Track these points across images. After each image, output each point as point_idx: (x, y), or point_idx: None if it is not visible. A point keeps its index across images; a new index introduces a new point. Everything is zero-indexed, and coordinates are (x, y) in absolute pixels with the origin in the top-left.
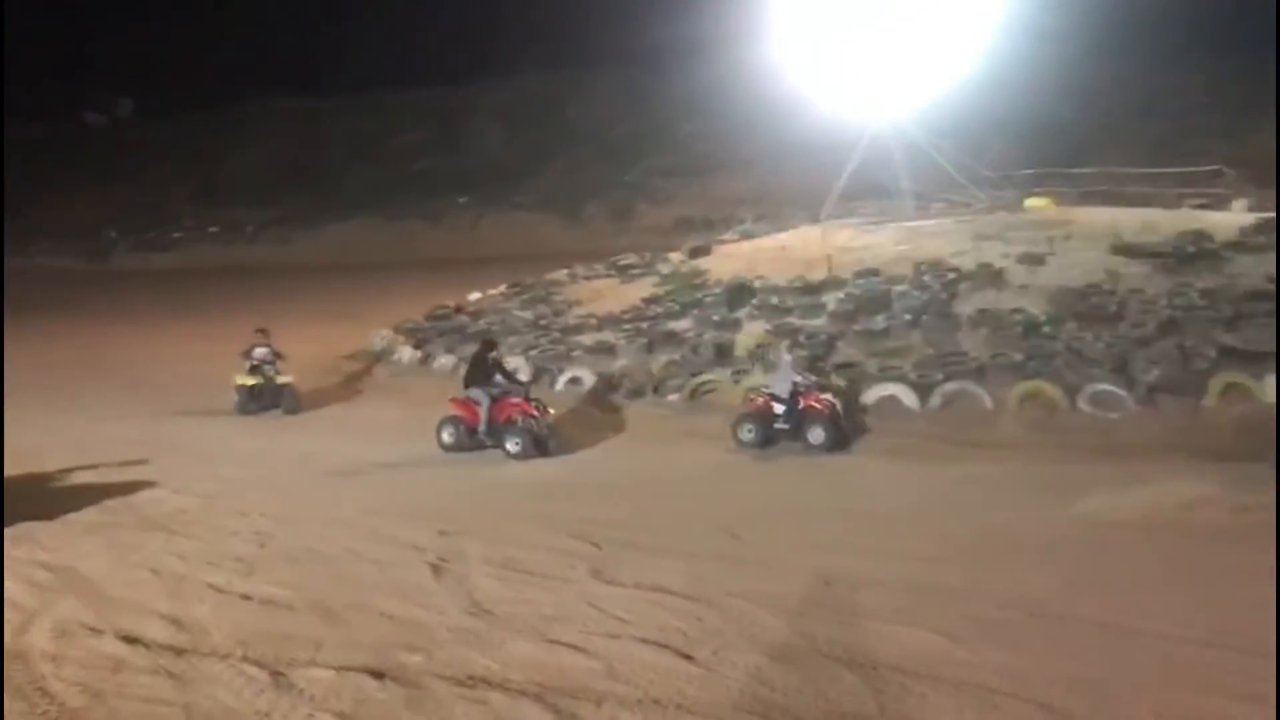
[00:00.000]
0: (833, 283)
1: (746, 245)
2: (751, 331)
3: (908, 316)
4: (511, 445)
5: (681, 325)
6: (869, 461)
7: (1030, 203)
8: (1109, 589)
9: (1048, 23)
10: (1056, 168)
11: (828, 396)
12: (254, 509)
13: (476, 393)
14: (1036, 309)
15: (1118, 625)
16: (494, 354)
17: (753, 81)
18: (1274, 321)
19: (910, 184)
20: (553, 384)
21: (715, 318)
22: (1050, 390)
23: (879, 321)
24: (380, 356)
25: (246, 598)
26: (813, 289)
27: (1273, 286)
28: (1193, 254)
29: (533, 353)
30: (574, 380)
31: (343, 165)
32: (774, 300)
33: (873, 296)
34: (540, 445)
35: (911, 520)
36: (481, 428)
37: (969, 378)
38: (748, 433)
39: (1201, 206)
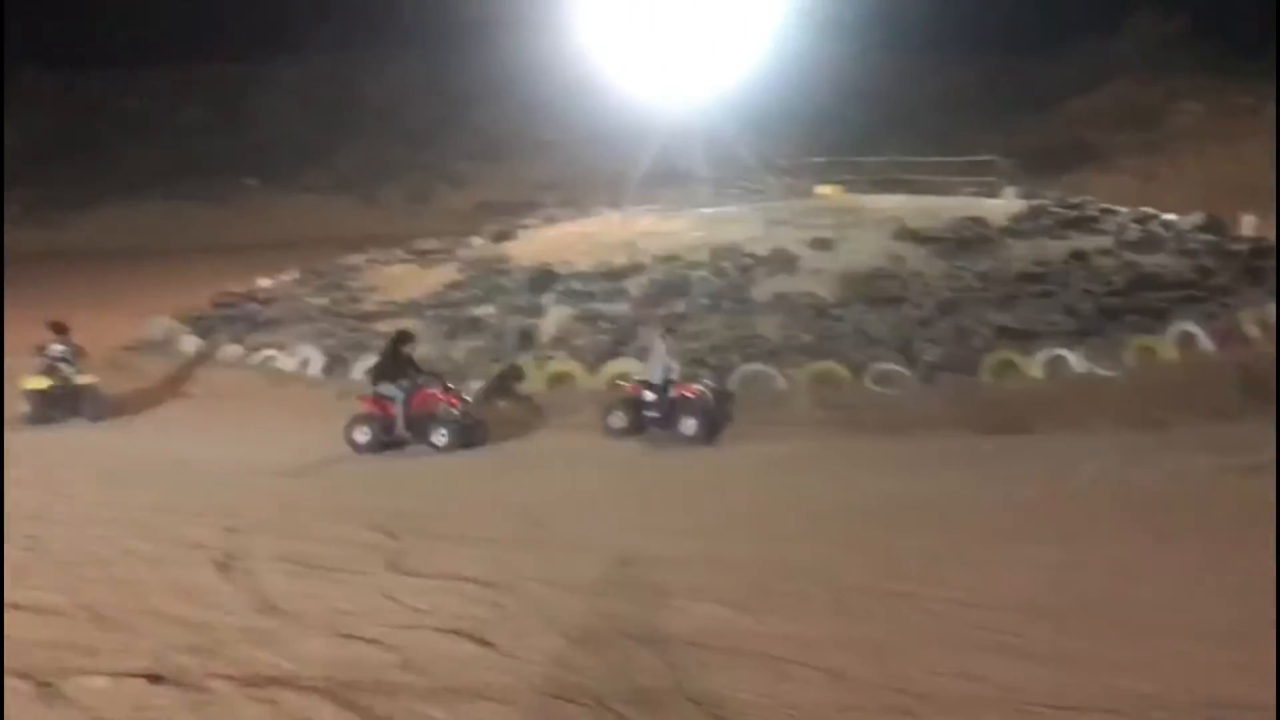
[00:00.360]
0: (634, 268)
1: (550, 230)
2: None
3: (706, 301)
4: (438, 438)
5: (484, 311)
6: (668, 443)
7: (821, 190)
8: (887, 557)
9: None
10: (845, 156)
11: (699, 386)
12: (21, 512)
13: (388, 388)
14: (826, 292)
15: (895, 591)
16: (406, 347)
17: (554, 65)
18: (1041, 301)
19: (708, 171)
20: (348, 373)
21: (519, 303)
22: (839, 370)
23: (679, 306)
24: (160, 347)
25: (15, 607)
26: (615, 274)
27: (1039, 269)
28: (969, 239)
29: (328, 341)
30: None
31: (117, 143)
32: (577, 286)
33: (673, 282)
34: (468, 436)
35: (708, 498)
36: (399, 424)
37: (764, 359)
38: (618, 420)
39: (977, 194)
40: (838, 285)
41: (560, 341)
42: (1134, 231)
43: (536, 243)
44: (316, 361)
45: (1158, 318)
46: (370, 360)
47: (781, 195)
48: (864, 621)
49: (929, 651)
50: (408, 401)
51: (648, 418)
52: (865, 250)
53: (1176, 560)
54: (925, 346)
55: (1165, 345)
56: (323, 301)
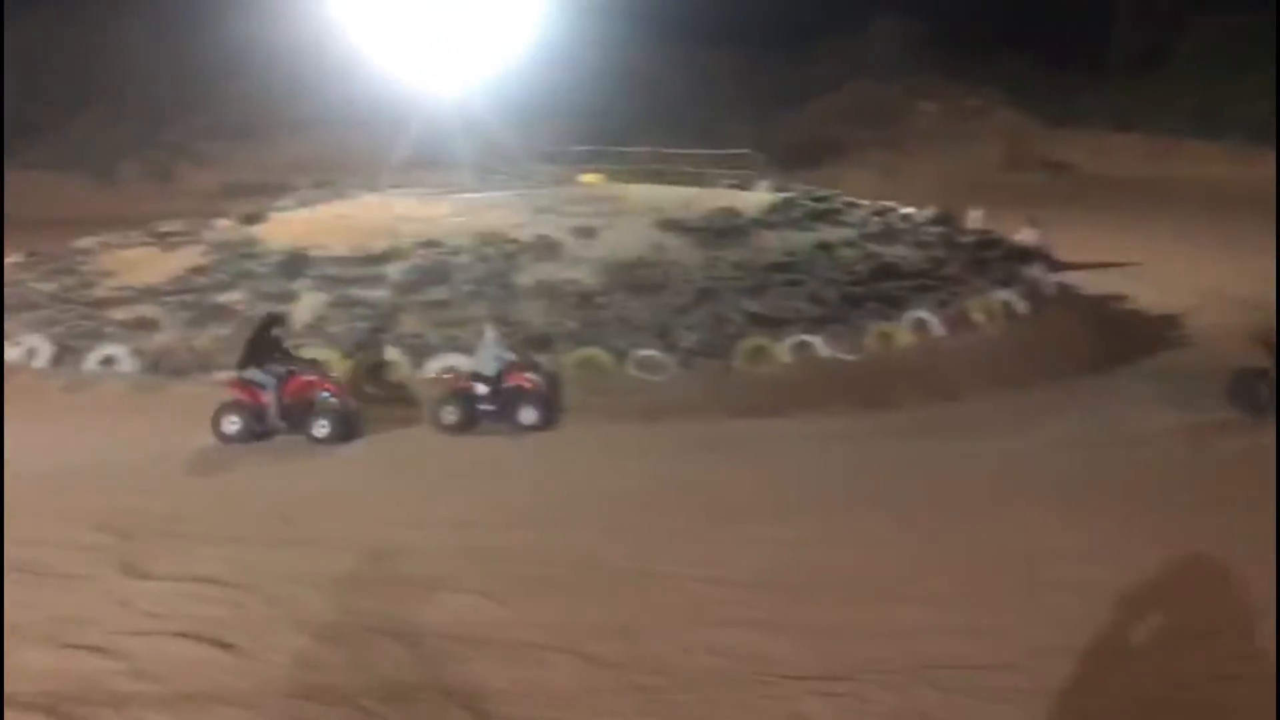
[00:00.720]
0: (394, 253)
1: (304, 213)
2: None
3: (469, 287)
4: (318, 430)
5: (232, 297)
6: (424, 432)
7: (584, 178)
8: (641, 540)
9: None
10: (609, 145)
11: (532, 375)
12: None
13: (256, 373)
14: (589, 280)
15: (648, 572)
16: (276, 330)
17: (307, 41)
18: (790, 289)
19: (471, 156)
20: (80, 363)
21: (270, 289)
22: (601, 356)
23: (441, 292)
24: None
25: None
26: (374, 259)
27: (788, 259)
28: (725, 229)
29: (56, 329)
30: (107, 360)
31: None
32: (333, 271)
33: (435, 268)
34: (350, 426)
35: (464, 488)
36: (272, 412)
37: (530, 346)
38: (449, 415)
39: (733, 186)
40: (601, 273)
41: (314, 329)
42: (875, 224)
43: (289, 226)
44: (44, 352)
45: (895, 305)
46: (106, 350)
47: (546, 182)
48: (617, 604)
49: (677, 630)
50: (280, 389)
51: (481, 410)
52: (628, 239)
53: (907, 534)
54: (684, 333)
55: (901, 331)
56: (51, 287)
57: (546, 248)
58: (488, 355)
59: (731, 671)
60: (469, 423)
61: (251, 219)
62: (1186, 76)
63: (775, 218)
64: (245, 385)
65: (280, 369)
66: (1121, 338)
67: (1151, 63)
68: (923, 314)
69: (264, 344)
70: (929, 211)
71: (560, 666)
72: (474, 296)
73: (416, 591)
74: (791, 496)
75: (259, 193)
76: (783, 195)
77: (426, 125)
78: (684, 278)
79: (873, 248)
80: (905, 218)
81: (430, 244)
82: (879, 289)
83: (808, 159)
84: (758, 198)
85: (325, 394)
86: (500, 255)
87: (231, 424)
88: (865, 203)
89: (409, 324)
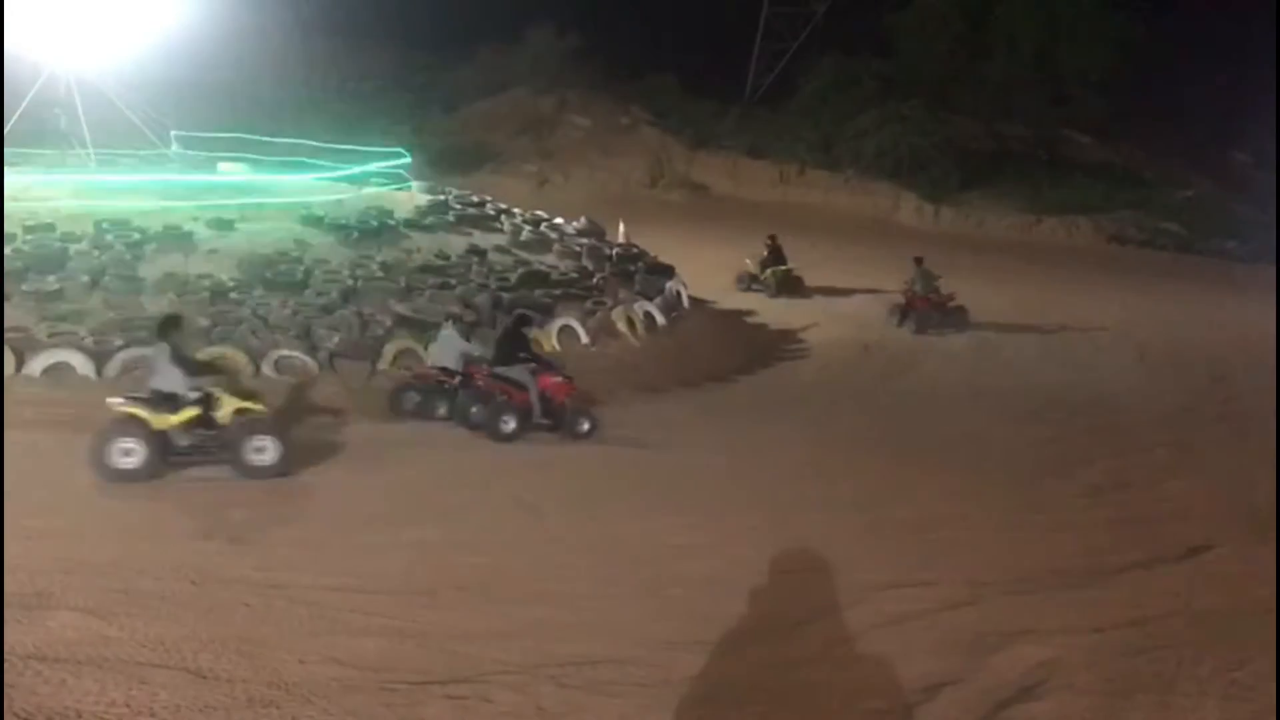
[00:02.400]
0: None
1: None
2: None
3: (86, 278)
4: (583, 427)
5: None
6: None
7: (224, 167)
8: (268, 548)
9: None
10: (253, 134)
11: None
12: None
13: (519, 372)
14: (225, 274)
15: (273, 583)
16: (527, 328)
17: None
18: (441, 293)
19: (94, 135)
20: None
21: None
22: (235, 355)
23: (51, 282)
24: None
25: None
26: None
27: (440, 262)
28: (376, 228)
29: None
30: None
31: None
32: None
33: (46, 254)
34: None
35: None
36: (537, 410)
37: (151, 344)
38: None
39: (385, 185)
40: (237, 267)
41: None
42: (527, 232)
43: None
44: None
45: (545, 312)
46: None
47: (180, 168)
48: (233, 617)
49: (299, 641)
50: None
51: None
52: (269, 233)
53: (538, 535)
54: (326, 334)
55: (549, 338)
56: None
57: (177, 238)
58: (444, 349)
59: (353, 680)
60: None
61: None
62: (809, 111)
63: (428, 220)
64: (504, 384)
65: (533, 367)
66: (748, 349)
67: (781, 96)
68: (570, 321)
69: (517, 342)
70: (579, 222)
71: (167, 684)
72: (91, 287)
73: (10, 611)
74: (425, 500)
75: None
76: (436, 197)
77: (42, 96)
78: (328, 276)
79: (524, 255)
80: (555, 227)
81: (42, 228)
82: (529, 296)
83: (462, 163)
84: (410, 198)
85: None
86: (123, 244)
87: (507, 424)
88: (518, 211)
89: (13, 317)
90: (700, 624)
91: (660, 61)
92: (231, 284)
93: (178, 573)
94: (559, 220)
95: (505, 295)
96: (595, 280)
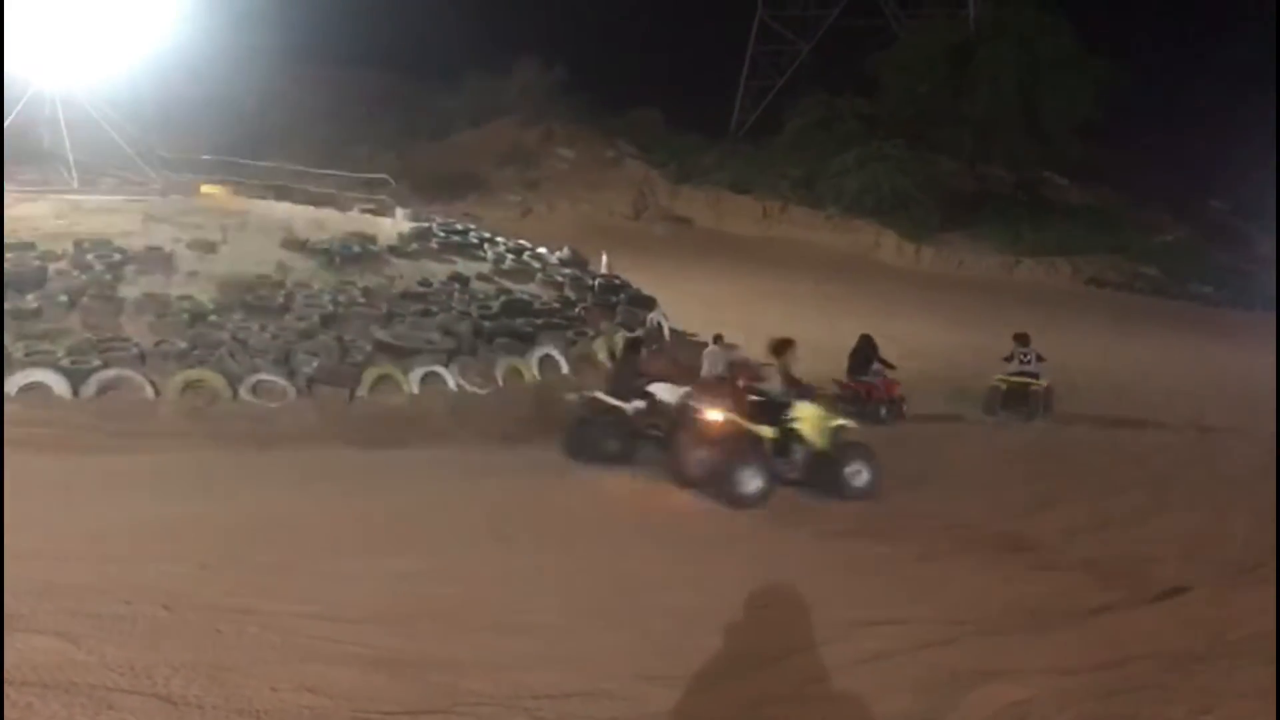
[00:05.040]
0: None
1: None
2: None
3: (65, 297)
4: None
5: None
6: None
7: (206, 189)
8: (240, 573)
9: (246, 11)
10: (238, 157)
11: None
12: None
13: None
14: (205, 297)
15: (242, 608)
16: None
17: None
18: (422, 320)
19: (77, 154)
20: None
21: None
22: (213, 379)
23: (30, 301)
24: None
25: None
26: None
27: (422, 289)
28: (358, 254)
29: None
30: None
31: None
32: None
33: (25, 273)
34: None
35: (43, 516)
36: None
37: (129, 365)
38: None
39: (369, 211)
40: (218, 290)
41: None
42: (510, 261)
43: None
44: None
45: (526, 341)
46: None
47: (163, 190)
48: (205, 642)
49: (271, 668)
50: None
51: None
52: (250, 256)
53: (517, 566)
54: (305, 359)
55: (529, 367)
56: None
57: (158, 259)
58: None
59: (325, 709)
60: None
61: None
62: (793, 148)
63: (411, 246)
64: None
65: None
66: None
67: (765, 132)
68: (551, 351)
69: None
70: (562, 253)
71: (135, 710)
72: (69, 307)
73: None
74: (404, 529)
75: None
76: (419, 224)
77: (27, 114)
78: (309, 301)
79: (506, 283)
80: (538, 257)
81: (22, 246)
82: (510, 325)
83: (447, 191)
84: (394, 225)
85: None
86: (104, 264)
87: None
88: (501, 239)
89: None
90: (675, 658)
91: (646, 96)
92: (211, 306)
93: (149, 597)
94: (542, 250)
95: (487, 323)
96: (577, 310)
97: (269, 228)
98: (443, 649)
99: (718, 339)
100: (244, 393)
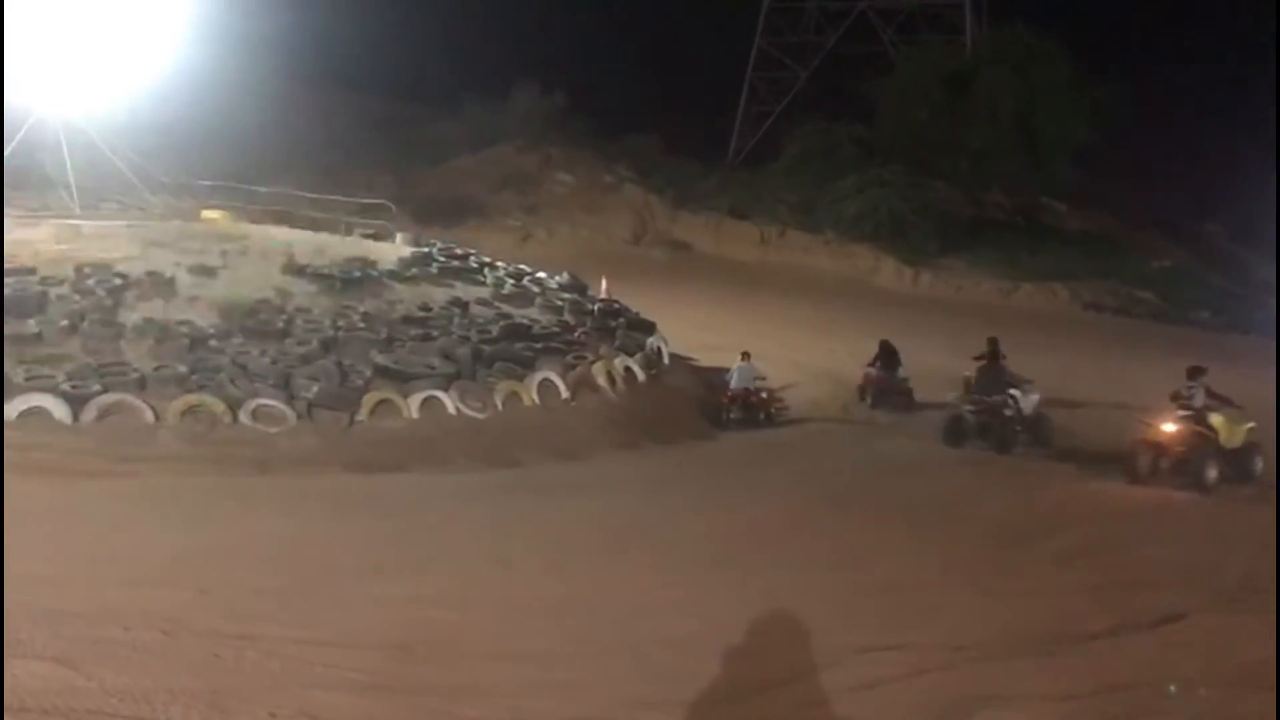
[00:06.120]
0: None
1: None
2: None
3: (65, 322)
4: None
5: None
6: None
7: (206, 214)
8: (239, 598)
9: (245, 36)
10: (238, 182)
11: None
12: None
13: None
14: (205, 321)
15: (242, 634)
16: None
17: None
18: (422, 344)
19: (78, 179)
20: None
21: None
22: (213, 403)
23: (30, 326)
24: None
25: None
26: None
27: (422, 314)
28: (358, 279)
29: None
30: None
31: None
32: None
33: (26, 298)
34: None
35: (43, 541)
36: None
37: (129, 389)
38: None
39: (368, 236)
40: (218, 315)
41: None
42: (510, 285)
43: None
44: None
45: (525, 365)
46: None
47: (163, 215)
48: (205, 668)
49: (270, 693)
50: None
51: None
52: (251, 281)
53: (515, 590)
54: (306, 383)
55: (528, 391)
56: None
57: (159, 284)
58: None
59: None
60: None
61: None
62: (791, 174)
63: (411, 271)
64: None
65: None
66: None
67: (764, 158)
68: (550, 375)
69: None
70: (562, 277)
71: None
72: (70, 332)
73: None
74: (402, 553)
75: None
76: (419, 249)
77: (29, 140)
78: (309, 325)
79: (506, 308)
80: (538, 281)
81: (24, 271)
82: (510, 349)
83: (447, 216)
84: (394, 249)
85: None
86: (104, 289)
87: None
88: (501, 264)
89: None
90: (673, 684)
91: (644, 122)
92: (211, 331)
93: (148, 622)
94: (541, 274)
95: (486, 348)
96: (576, 334)
97: (269, 252)
98: (440, 674)
99: (745, 356)
100: (244, 417)
